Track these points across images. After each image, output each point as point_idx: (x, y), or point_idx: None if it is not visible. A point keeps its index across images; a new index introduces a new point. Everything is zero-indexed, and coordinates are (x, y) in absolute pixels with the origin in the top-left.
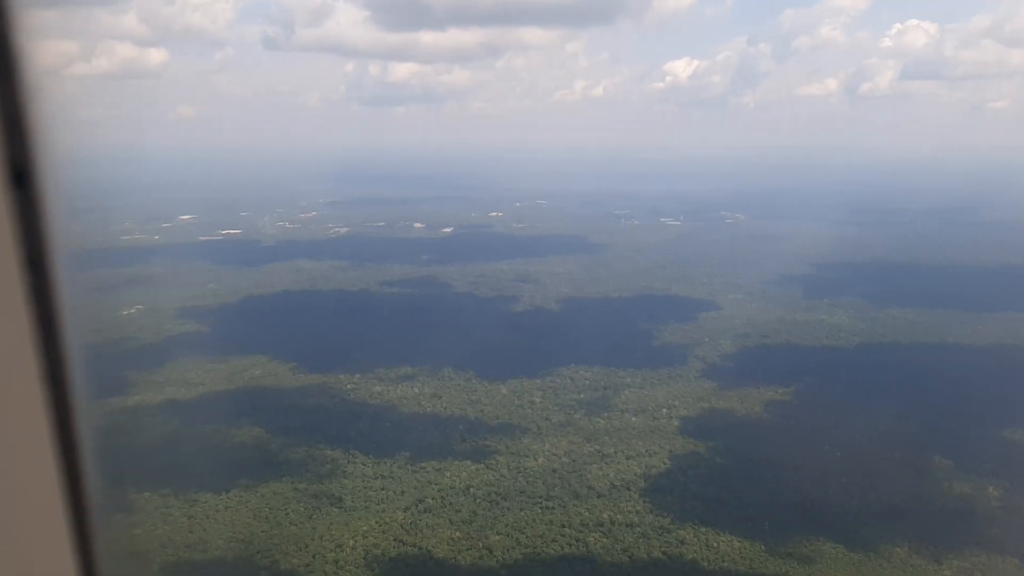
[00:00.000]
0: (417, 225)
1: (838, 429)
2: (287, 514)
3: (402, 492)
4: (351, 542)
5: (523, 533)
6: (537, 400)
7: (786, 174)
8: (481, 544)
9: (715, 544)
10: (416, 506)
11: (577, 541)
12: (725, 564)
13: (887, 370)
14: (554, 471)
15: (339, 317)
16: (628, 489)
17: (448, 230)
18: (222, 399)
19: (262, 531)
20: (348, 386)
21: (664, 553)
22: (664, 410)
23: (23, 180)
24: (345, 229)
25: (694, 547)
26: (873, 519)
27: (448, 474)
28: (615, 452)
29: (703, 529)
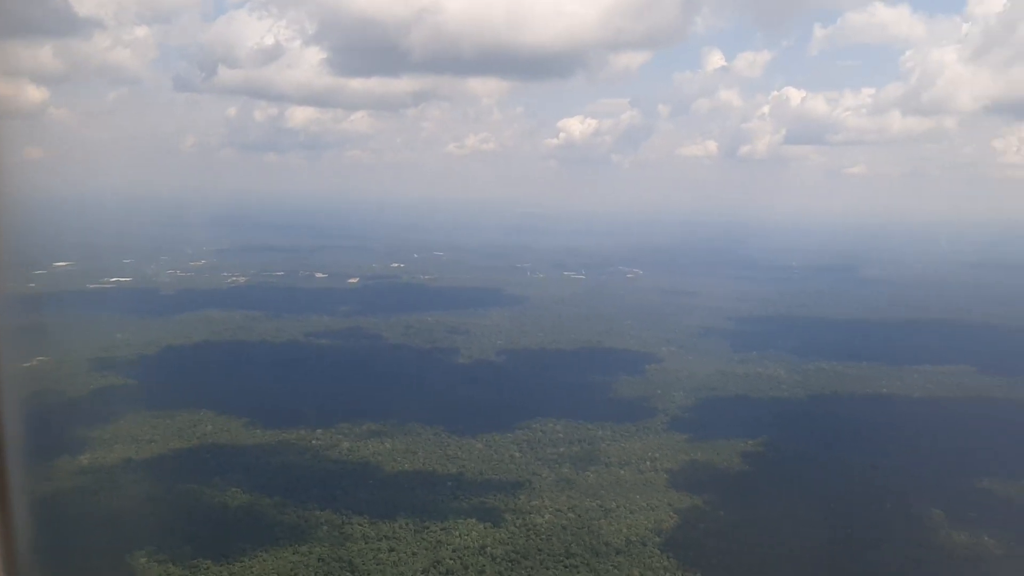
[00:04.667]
0: (319, 275)
1: (822, 480)
2: None
3: (413, 554)
4: None
5: None
6: (517, 455)
7: (671, 231)
8: None
9: None
10: (435, 568)
11: None
12: None
13: (842, 421)
14: (564, 528)
15: (276, 369)
16: (645, 545)
17: (354, 280)
18: (182, 457)
19: None
20: (313, 442)
21: None
22: (648, 463)
23: None
24: (243, 278)
25: None
26: (895, 570)
27: (457, 534)
28: (617, 507)
29: None
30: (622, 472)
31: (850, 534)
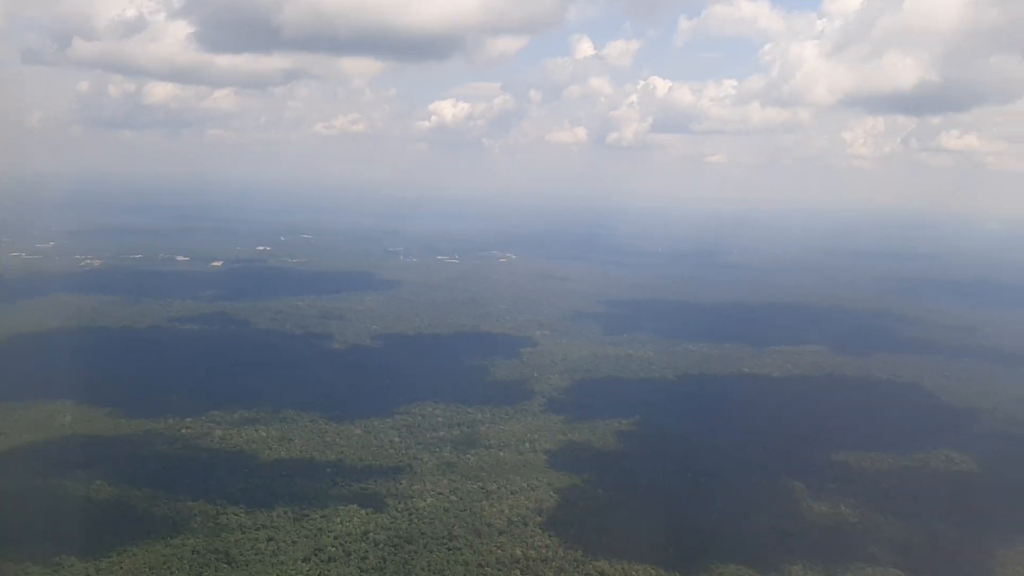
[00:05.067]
0: (180, 258)
1: (693, 457)
2: (174, 574)
3: (293, 542)
4: None
5: None
6: (396, 440)
7: (542, 217)
8: None
9: (635, 574)
10: (316, 556)
11: None
12: None
13: (709, 400)
14: (446, 510)
15: (140, 356)
16: (526, 524)
17: (218, 263)
18: (39, 450)
19: None
20: (183, 431)
21: None
22: (527, 444)
23: None
24: (98, 261)
25: None
26: (764, 541)
27: (338, 521)
28: (499, 488)
29: (618, 561)
30: (502, 454)
31: (720, 507)
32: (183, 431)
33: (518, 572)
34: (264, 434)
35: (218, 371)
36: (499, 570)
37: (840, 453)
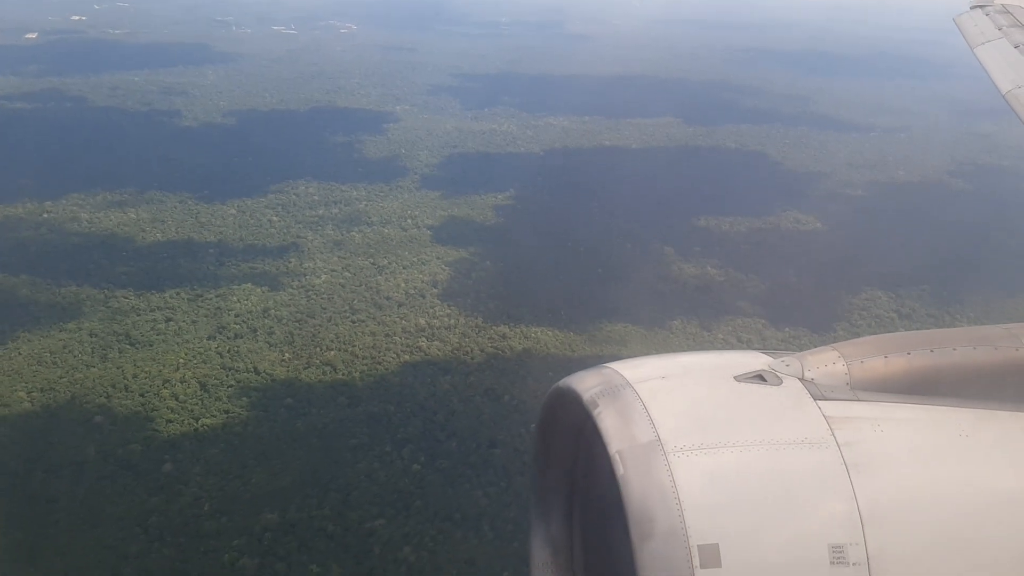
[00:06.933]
0: None
1: (569, 228)
2: (77, 356)
3: (194, 322)
4: (177, 375)
5: (354, 346)
6: (275, 219)
7: None
8: (319, 361)
9: (535, 336)
10: (221, 333)
11: (409, 347)
12: (553, 351)
13: (576, 172)
14: (343, 286)
15: None
16: (423, 296)
17: (33, 35)
18: None
19: (59, 378)
20: (45, 216)
21: (495, 347)
22: (409, 220)
23: None
24: None
25: (518, 340)
26: (644, 301)
27: (235, 300)
28: (390, 263)
29: (516, 325)
30: (386, 231)
31: (601, 272)
32: (45, 215)
33: (424, 339)
34: (135, 216)
35: (66, 152)
36: (406, 338)
37: (701, 219)
